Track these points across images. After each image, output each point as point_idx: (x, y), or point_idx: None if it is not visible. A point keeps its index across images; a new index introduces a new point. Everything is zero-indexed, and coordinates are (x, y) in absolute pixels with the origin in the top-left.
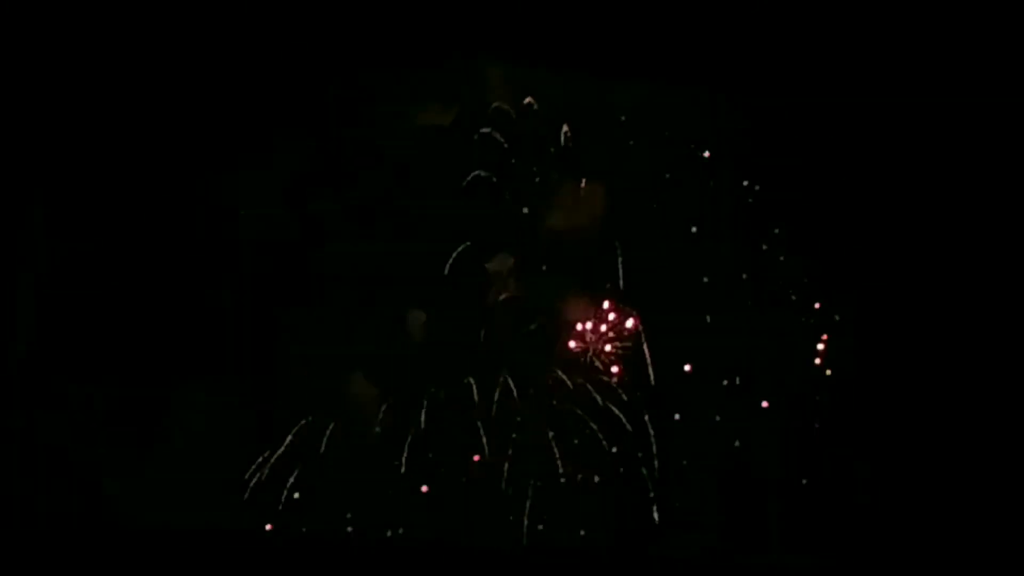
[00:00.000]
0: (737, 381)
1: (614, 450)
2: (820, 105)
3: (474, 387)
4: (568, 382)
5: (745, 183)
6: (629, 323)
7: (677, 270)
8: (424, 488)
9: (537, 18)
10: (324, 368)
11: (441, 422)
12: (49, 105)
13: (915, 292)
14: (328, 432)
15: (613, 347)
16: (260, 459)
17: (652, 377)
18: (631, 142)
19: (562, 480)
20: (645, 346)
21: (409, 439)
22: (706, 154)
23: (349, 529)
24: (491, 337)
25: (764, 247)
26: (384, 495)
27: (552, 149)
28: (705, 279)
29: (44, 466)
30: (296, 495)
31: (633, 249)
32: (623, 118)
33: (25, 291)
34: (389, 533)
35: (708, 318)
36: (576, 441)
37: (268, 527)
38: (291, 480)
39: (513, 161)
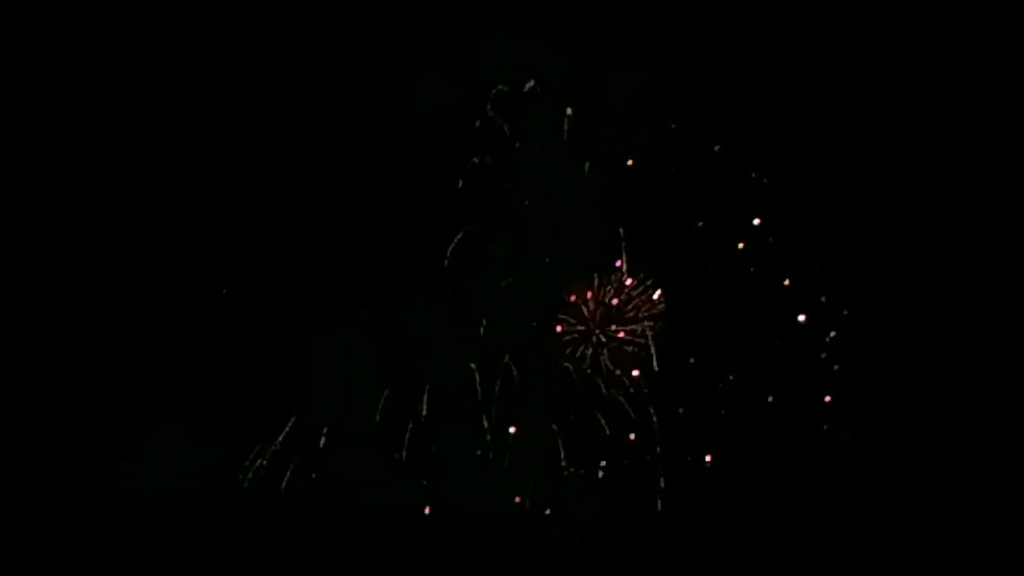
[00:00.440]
0: (740, 371)
1: (628, 437)
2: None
3: (476, 375)
4: (571, 370)
5: (752, 173)
6: (633, 310)
7: (683, 258)
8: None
9: None
10: (323, 355)
11: (442, 410)
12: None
13: (915, 286)
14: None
15: (617, 334)
16: (257, 449)
17: (656, 365)
18: (635, 126)
19: (565, 474)
20: (649, 335)
21: (410, 428)
22: (716, 148)
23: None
24: (492, 323)
25: (770, 239)
26: (384, 478)
27: (555, 132)
28: (709, 270)
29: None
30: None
31: (637, 235)
32: (627, 101)
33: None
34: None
35: (712, 309)
36: (578, 430)
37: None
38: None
39: (516, 144)
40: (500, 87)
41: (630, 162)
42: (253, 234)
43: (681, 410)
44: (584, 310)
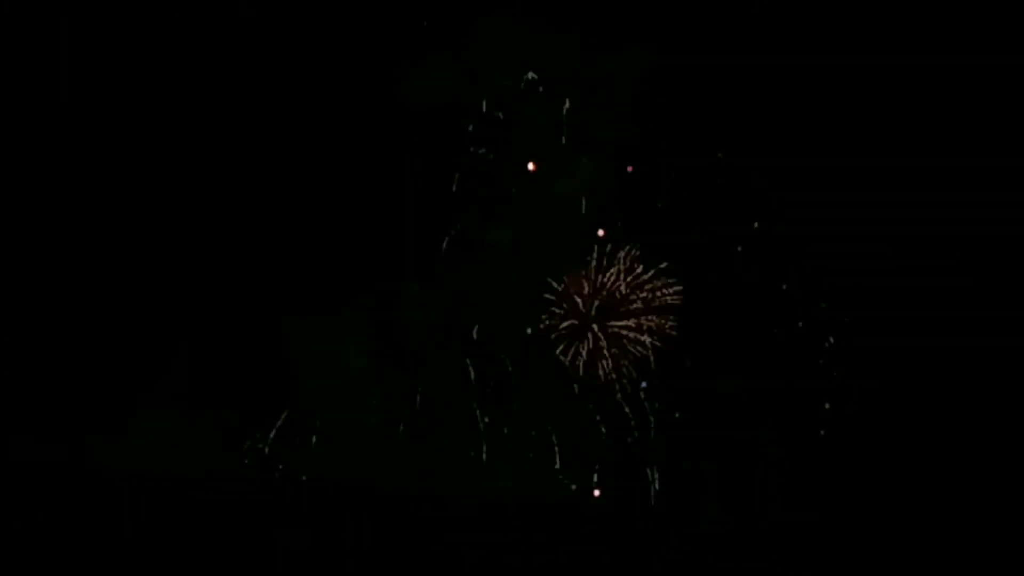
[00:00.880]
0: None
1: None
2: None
3: (471, 368)
4: (567, 363)
5: (748, 170)
6: (633, 303)
7: (681, 253)
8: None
9: None
10: (320, 346)
11: (438, 404)
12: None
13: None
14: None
15: (615, 326)
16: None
17: (653, 362)
18: (633, 117)
19: (561, 479)
20: (648, 329)
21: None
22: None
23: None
24: (485, 318)
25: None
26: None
27: (554, 123)
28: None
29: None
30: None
31: (636, 227)
32: (626, 92)
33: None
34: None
35: (711, 303)
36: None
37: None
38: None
39: (515, 133)
40: (500, 80)
41: (629, 168)
42: (247, 225)
43: (677, 414)
44: (579, 302)
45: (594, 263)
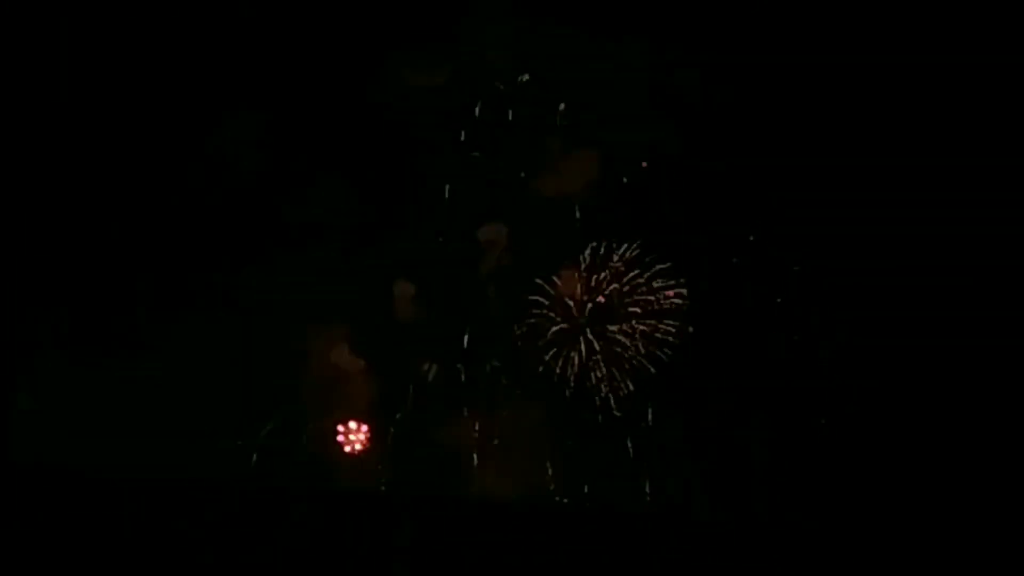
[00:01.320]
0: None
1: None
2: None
3: (461, 368)
4: (561, 358)
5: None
6: (629, 306)
7: (681, 253)
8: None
9: None
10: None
11: (430, 400)
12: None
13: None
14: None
15: (608, 323)
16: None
17: (645, 363)
18: (628, 113)
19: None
20: (643, 334)
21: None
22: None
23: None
24: (483, 309)
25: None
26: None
27: (548, 121)
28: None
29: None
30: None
31: (628, 223)
32: (620, 88)
33: None
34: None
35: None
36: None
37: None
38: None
39: (509, 129)
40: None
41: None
42: (242, 227)
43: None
44: (572, 305)
45: (587, 263)
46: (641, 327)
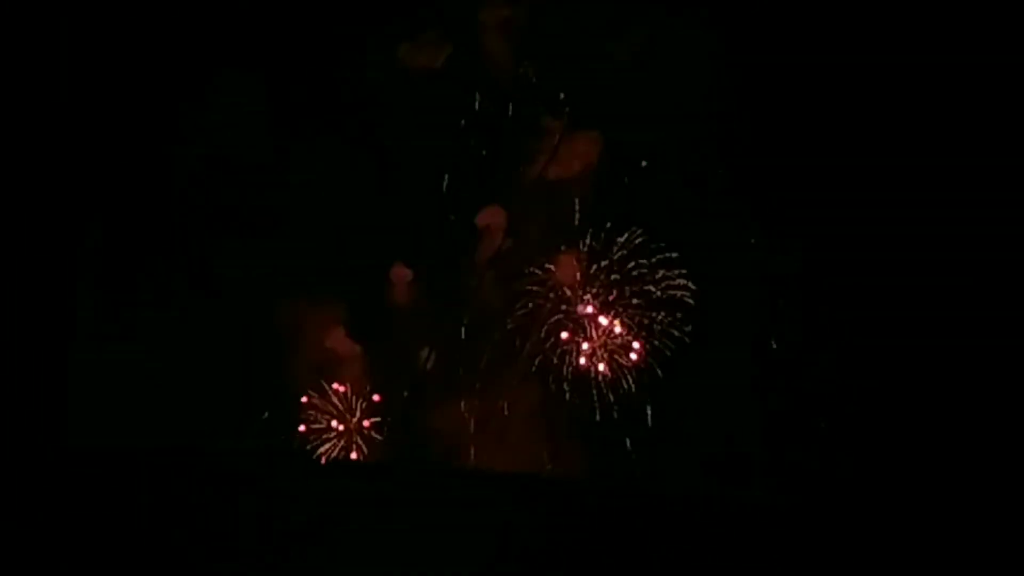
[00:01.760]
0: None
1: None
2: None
3: (458, 354)
4: (557, 344)
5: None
6: (624, 283)
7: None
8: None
9: None
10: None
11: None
12: None
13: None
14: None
15: (606, 309)
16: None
17: (644, 349)
18: (629, 97)
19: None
20: (637, 311)
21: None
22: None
23: None
24: (480, 295)
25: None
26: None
27: (548, 102)
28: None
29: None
30: None
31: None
32: (621, 71)
33: None
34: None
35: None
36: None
37: None
38: None
39: (510, 113)
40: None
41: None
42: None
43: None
44: (569, 292)
45: (587, 247)
46: (641, 318)
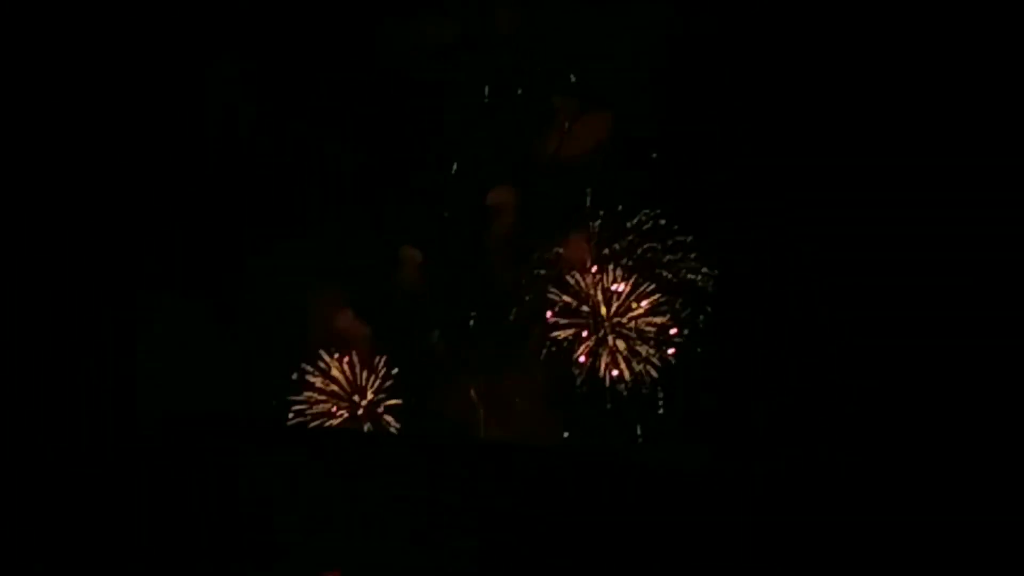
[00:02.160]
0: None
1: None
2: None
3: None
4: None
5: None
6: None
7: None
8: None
9: None
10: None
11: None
12: None
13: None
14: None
15: (615, 289)
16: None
17: (647, 326)
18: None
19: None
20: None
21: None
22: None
23: None
24: (490, 275)
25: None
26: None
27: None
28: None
29: None
30: None
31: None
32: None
33: None
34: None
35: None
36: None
37: None
38: None
39: (519, 92)
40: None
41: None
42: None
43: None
44: (588, 295)
45: (597, 230)
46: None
